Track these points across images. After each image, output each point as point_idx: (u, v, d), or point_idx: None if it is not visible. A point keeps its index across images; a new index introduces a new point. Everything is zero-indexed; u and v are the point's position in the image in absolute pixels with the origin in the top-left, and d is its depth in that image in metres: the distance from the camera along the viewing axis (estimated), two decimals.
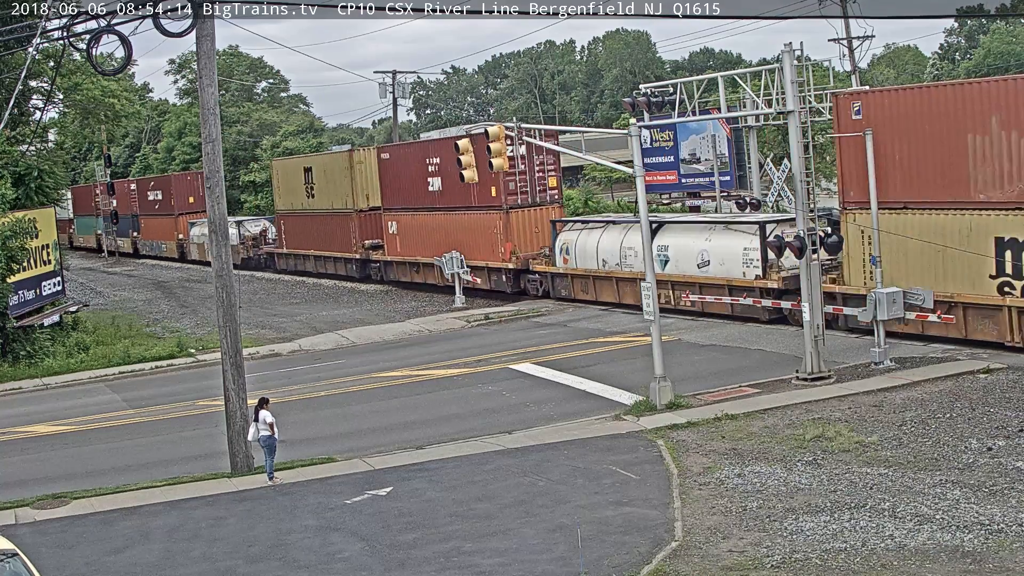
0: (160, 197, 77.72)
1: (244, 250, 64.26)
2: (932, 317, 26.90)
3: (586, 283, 39.89)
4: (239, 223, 66.59)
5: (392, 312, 43.49)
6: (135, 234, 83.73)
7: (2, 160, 38.78)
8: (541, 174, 43.21)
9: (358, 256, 53.03)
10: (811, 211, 25.48)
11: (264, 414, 20.62)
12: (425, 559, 15.88)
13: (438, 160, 46.23)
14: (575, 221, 42.52)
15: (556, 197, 44.07)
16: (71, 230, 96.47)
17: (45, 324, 38.07)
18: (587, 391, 26.57)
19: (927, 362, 26.00)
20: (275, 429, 20.66)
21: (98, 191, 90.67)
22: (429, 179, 46.83)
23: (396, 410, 26.64)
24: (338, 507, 18.77)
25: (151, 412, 28.63)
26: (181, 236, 74.32)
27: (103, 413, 28.95)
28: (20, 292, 36.42)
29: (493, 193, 42.62)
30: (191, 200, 71.99)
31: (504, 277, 43.33)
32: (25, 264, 36.35)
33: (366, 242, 52.55)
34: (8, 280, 34.63)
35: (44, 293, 39.21)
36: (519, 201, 42.87)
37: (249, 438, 21.10)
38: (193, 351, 36.61)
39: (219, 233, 21.90)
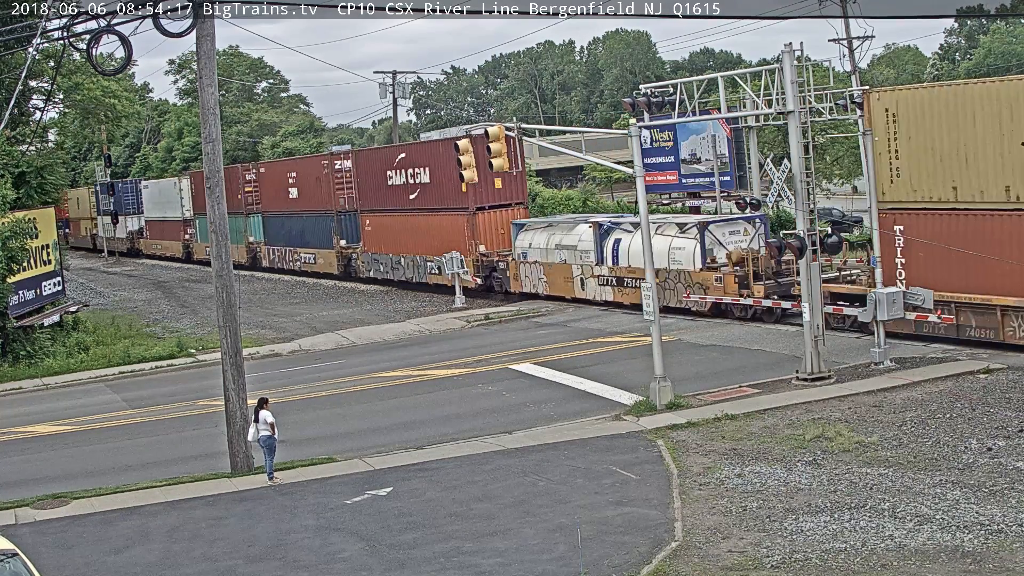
0: (426, 179, 46.21)
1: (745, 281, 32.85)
2: (932, 317, 26.96)
3: None
4: (702, 227, 34.66)
5: (392, 312, 43.46)
6: (343, 243, 53.67)
7: (2, 160, 38.78)
8: None
9: None
10: (811, 211, 25.47)
11: (264, 414, 20.62)
12: (425, 559, 15.88)
13: None
14: None
15: None
16: (187, 236, 71.44)
17: (45, 324, 38.07)
18: (587, 391, 26.56)
19: (927, 362, 25.99)
20: (275, 429, 20.66)
21: (248, 176, 63.12)
22: None
23: (396, 410, 26.64)
24: (338, 507, 18.77)
25: (151, 412, 28.63)
26: (484, 248, 44.07)
27: (103, 413, 28.94)
28: (20, 292, 36.42)
29: None
30: (498, 185, 43.80)
31: None
32: (25, 264, 36.36)
33: None
34: (8, 280, 34.63)
35: (44, 293, 39.20)
36: None
37: (249, 438, 21.10)
38: (193, 351, 36.61)
39: (219, 233, 21.89)
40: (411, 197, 47.14)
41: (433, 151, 46.51)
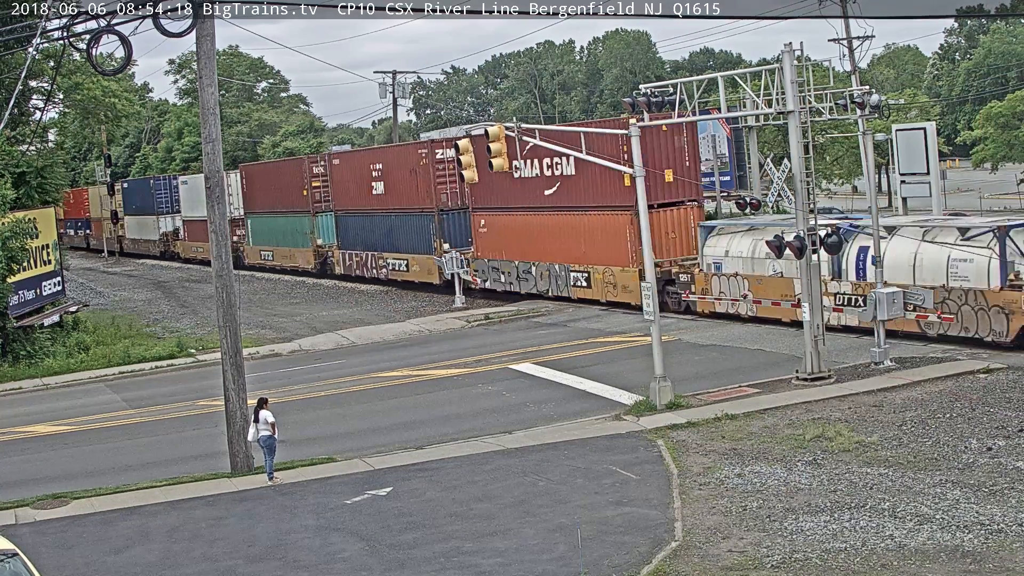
0: (571, 170, 38.03)
1: None
2: (932, 317, 26.97)
3: None
4: (1001, 233, 26.50)
5: (392, 312, 43.47)
6: (446, 247, 44.76)
7: (2, 160, 38.79)
8: None
9: None
10: (811, 211, 25.46)
11: (264, 414, 20.62)
12: (425, 559, 15.88)
13: None
14: None
15: None
16: (235, 237, 60.16)
17: (45, 324, 38.08)
18: (587, 391, 26.56)
19: (927, 362, 25.99)
20: (275, 429, 20.66)
21: (316, 169, 55.19)
22: None
23: (396, 410, 26.64)
24: (338, 507, 18.77)
25: (151, 412, 28.63)
26: (633, 257, 35.63)
27: (103, 413, 28.94)
28: (20, 292, 36.42)
29: None
30: (668, 179, 36.11)
31: None
32: (25, 264, 36.37)
33: None
34: (8, 280, 34.64)
35: (44, 293, 39.20)
36: None
37: (249, 438, 21.10)
38: (193, 351, 36.61)
39: (219, 233, 21.90)
40: (547, 193, 39.21)
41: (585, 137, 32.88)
